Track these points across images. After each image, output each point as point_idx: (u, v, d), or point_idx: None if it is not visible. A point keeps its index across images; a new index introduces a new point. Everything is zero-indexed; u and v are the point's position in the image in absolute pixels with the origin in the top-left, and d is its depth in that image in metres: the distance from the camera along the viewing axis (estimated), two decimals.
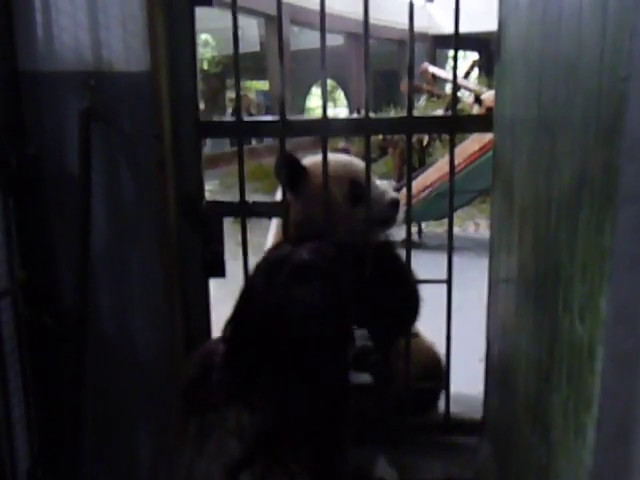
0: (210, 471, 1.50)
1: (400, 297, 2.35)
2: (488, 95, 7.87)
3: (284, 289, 1.55)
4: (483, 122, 2.29)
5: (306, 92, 20.17)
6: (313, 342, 1.56)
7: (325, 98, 2.29)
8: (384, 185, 2.44)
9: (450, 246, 2.38)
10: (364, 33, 2.22)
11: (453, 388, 2.52)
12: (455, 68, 2.27)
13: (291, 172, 2.29)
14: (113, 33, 2.10)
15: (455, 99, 2.28)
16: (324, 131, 2.28)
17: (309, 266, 1.59)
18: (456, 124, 2.28)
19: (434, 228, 8.54)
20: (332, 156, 2.35)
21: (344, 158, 2.42)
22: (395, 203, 2.35)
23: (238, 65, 2.28)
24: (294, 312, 1.54)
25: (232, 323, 1.65)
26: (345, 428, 1.68)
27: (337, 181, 2.31)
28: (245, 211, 2.33)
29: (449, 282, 2.40)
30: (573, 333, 1.24)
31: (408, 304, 2.43)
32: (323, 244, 1.74)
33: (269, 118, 2.42)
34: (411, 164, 2.48)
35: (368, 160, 2.38)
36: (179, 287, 2.32)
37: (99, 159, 2.14)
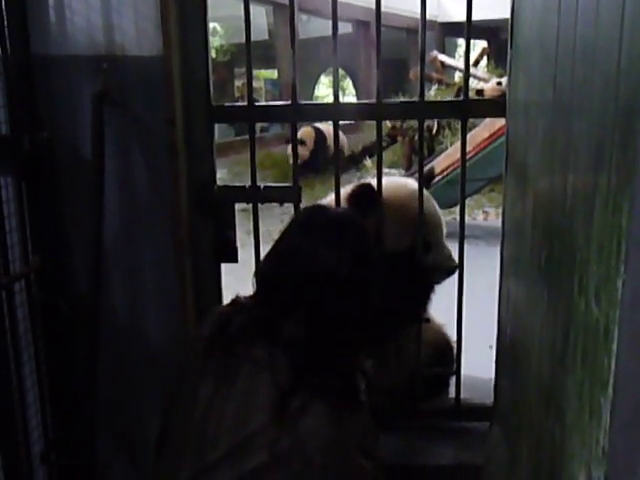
0: (245, 406, 1.53)
1: (412, 282, 2.37)
2: (490, 86, 7.85)
3: (327, 238, 1.67)
4: (495, 107, 2.28)
5: (315, 81, 20.10)
6: (349, 285, 1.66)
7: (336, 82, 2.29)
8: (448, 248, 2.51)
9: (462, 231, 2.38)
10: (376, 18, 2.21)
11: (464, 374, 2.53)
12: (468, 53, 2.26)
13: (365, 201, 2.31)
14: (125, 17, 2.11)
15: (467, 83, 2.27)
16: (335, 116, 2.28)
17: (344, 219, 1.76)
18: (468, 109, 2.27)
19: (444, 216, 8.46)
20: (410, 195, 2.37)
21: (426, 206, 2.39)
22: (453, 271, 2.42)
23: (250, 51, 2.28)
24: (338, 259, 1.65)
25: (265, 268, 1.74)
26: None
27: (408, 230, 2.35)
28: (256, 196, 2.33)
29: (460, 268, 2.40)
30: (589, 315, 1.24)
31: (420, 289, 2.45)
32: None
33: (280, 103, 2.40)
34: (423, 150, 2.47)
35: (379, 146, 2.38)
36: (191, 272, 2.33)
37: (112, 143, 2.14)
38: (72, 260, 2.23)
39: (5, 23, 2.04)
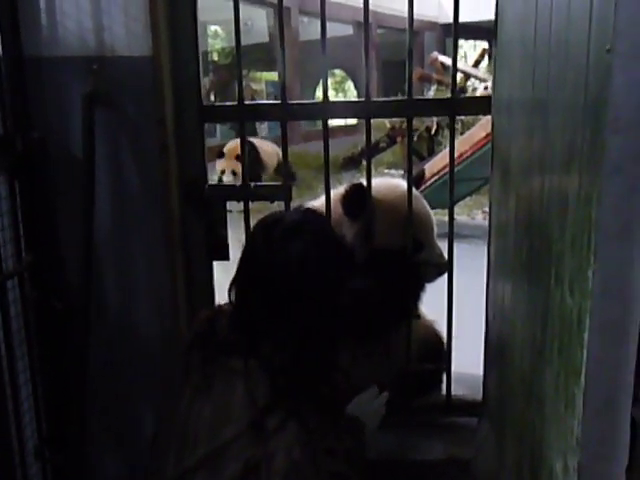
0: (220, 414, 1.61)
1: (403, 280, 2.39)
2: (480, 91, 7.88)
3: (278, 247, 1.69)
4: (483, 104, 2.30)
5: (316, 82, 20.12)
6: (307, 294, 1.70)
7: (325, 81, 2.31)
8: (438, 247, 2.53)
9: (451, 229, 2.40)
10: (364, 17, 2.23)
11: (457, 371, 2.55)
12: (455, 50, 2.27)
13: (357, 201, 2.35)
14: (115, 18, 2.12)
15: (455, 80, 2.29)
16: (324, 114, 2.30)
17: (299, 225, 1.74)
18: (456, 106, 2.29)
19: (441, 216, 8.46)
20: (401, 195, 2.38)
21: (417, 207, 2.42)
22: (444, 270, 2.44)
23: (239, 49, 2.29)
24: (288, 267, 1.68)
25: (237, 281, 1.78)
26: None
27: (399, 230, 2.37)
28: (247, 194, 2.35)
29: (450, 265, 2.42)
30: (563, 306, 1.26)
31: (410, 287, 2.47)
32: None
33: (270, 102, 2.43)
34: (412, 148, 2.49)
35: (369, 143, 2.41)
36: (183, 270, 2.35)
37: (103, 143, 2.16)
38: (65, 258, 2.25)
39: None
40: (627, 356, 1.10)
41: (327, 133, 2.32)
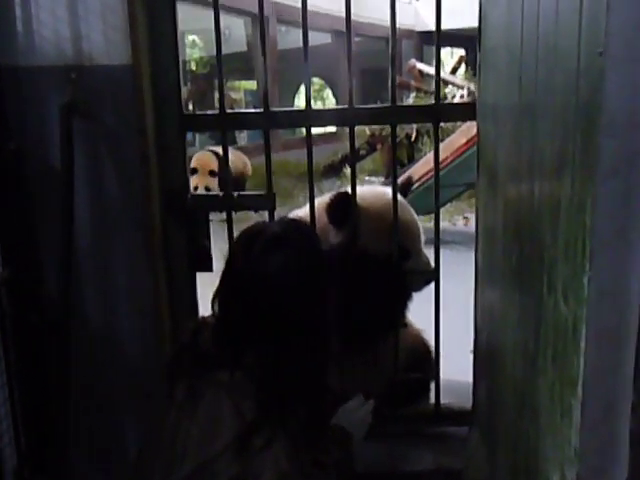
0: (206, 430, 1.57)
1: (390, 289, 2.36)
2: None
3: (258, 259, 1.66)
4: (467, 110, 2.28)
5: (294, 91, 20.12)
6: (288, 307, 1.67)
7: (309, 88, 2.29)
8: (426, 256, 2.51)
9: (437, 238, 2.37)
10: (346, 21, 2.21)
11: (446, 379, 2.52)
12: (438, 58, 2.26)
13: (342, 210, 2.33)
14: (93, 27, 2.08)
15: (438, 87, 2.27)
16: (308, 122, 2.27)
17: (279, 238, 1.70)
18: (440, 113, 2.27)
19: (423, 223, 8.41)
20: (387, 203, 2.35)
21: (403, 215, 2.40)
22: (431, 278, 2.42)
23: (220, 58, 2.26)
24: (268, 280, 1.65)
25: (220, 293, 1.75)
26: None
27: (386, 238, 2.33)
28: (230, 204, 2.31)
29: (437, 273, 2.40)
30: (558, 314, 1.24)
31: (397, 296, 2.44)
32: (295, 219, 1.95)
33: (252, 110, 2.39)
34: (396, 155, 2.47)
35: (353, 151, 2.38)
36: (165, 282, 2.30)
37: (81, 153, 2.12)
38: (44, 271, 2.20)
39: None
40: (625, 364, 1.08)
41: (310, 141, 2.29)
